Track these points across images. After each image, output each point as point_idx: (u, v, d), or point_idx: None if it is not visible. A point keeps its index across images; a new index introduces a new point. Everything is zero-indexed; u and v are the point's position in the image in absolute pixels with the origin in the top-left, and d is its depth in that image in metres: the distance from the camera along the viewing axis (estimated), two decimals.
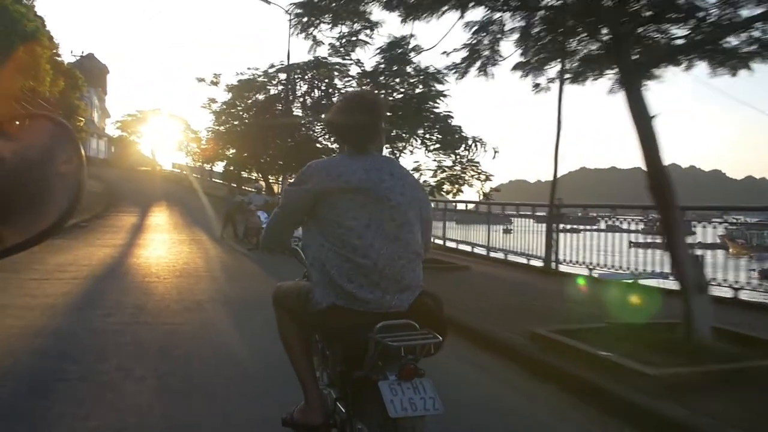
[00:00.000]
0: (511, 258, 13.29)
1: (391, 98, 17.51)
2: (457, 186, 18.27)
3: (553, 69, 8.64)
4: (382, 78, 13.48)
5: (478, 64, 8.08)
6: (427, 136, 17.64)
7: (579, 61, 7.42)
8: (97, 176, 39.11)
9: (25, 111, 0.88)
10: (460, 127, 16.32)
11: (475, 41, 7.85)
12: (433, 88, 12.64)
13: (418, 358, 2.23)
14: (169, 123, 53.16)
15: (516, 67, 8.24)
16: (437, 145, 18.61)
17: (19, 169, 0.67)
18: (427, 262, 2.69)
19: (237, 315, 6.97)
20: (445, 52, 8.35)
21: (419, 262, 2.53)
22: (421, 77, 12.42)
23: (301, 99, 17.35)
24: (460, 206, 16.83)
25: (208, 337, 5.81)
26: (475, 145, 16.91)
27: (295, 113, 17.98)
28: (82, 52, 59.87)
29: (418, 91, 14.87)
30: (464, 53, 8.02)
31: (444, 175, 18.89)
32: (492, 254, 13.37)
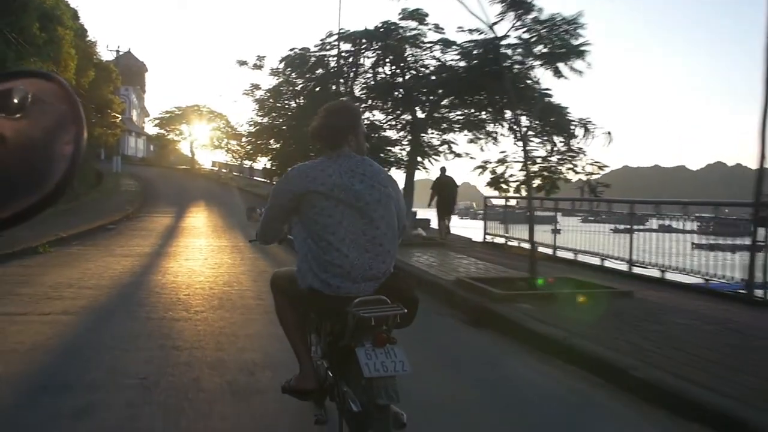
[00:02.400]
0: (647, 272, 9.89)
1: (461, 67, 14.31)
2: (551, 181, 14.94)
3: None
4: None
5: None
6: (523, 119, 14.31)
7: None
8: (133, 174, 37.06)
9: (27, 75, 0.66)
10: (566, 107, 12.92)
11: None
12: (559, 43, 9.01)
13: (390, 328, 2.60)
14: (208, 119, 50.99)
15: None
16: (530, 131, 15.27)
17: (19, 149, 0.61)
18: (572, 285, 3.94)
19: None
20: None
21: (388, 255, 2.86)
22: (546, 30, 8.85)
23: (366, 75, 14.16)
24: (566, 204, 13.29)
25: None
26: (584, 130, 13.51)
27: (357, 94, 14.78)
28: (118, 47, 57.97)
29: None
30: None
31: (535, 168, 15.59)
32: (637, 269, 9.96)
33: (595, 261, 10.98)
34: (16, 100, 0.62)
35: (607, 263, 10.66)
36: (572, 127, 13.43)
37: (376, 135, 15.97)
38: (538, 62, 8.61)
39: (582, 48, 8.44)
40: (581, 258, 11.30)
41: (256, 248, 12.13)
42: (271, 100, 23.81)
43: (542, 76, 11.87)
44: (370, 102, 15.00)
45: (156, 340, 5.14)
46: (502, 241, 14.27)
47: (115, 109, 35.37)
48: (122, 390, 3.86)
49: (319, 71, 14.10)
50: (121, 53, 56.30)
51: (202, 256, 11.33)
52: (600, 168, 13.43)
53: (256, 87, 23.52)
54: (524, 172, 16.38)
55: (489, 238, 14.92)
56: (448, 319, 6.94)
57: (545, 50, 8.76)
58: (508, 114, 14.93)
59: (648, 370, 4.51)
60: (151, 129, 60.29)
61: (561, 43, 8.65)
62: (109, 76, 34.04)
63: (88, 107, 28.23)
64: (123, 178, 35.80)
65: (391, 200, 2.89)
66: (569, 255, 11.88)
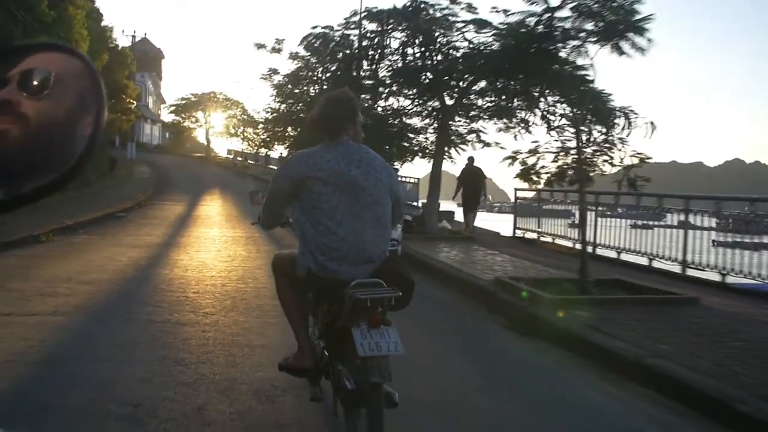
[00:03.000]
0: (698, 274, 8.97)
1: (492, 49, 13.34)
2: (585, 174, 13.97)
3: None
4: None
5: None
6: (558, 105, 13.36)
7: None
8: (147, 162, 36.51)
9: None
10: (609, 93, 11.91)
11: None
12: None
13: (385, 309, 2.70)
14: (224, 107, 50.31)
15: None
16: (564, 119, 14.31)
17: (41, 129, 0.62)
18: (628, 290, 3.85)
19: None
20: None
21: (383, 238, 2.96)
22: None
23: (392, 58, 13.21)
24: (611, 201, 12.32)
25: None
26: (626, 119, 12.52)
27: (382, 78, 13.83)
28: (134, 32, 57.37)
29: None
30: None
31: (568, 159, 14.62)
32: (691, 271, 9.02)
33: (640, 260, 10.06)
34: (38, 81, 0.62)
35: (656, 263, 9.72)
36: (614, 116, 12.50)
37: (399, 121, 15.08)
38: (592, 39, 7.63)
39: (643, 23, 7.47)
40: (625, 257, 10.36)
41: (271, 238, 11.31)
42: (289, 86, 23.00)
43: (596, 55, 10.84)
44: (395, 87, 14.08)
45: (157, 351, 4.34)
46: (533, 236, 13.35)
47: (130, 94, 34.76)
48: (107, 423, 3.06)
49: (342, 54, 13.07)
50: (137, 39, 55.63)
51: (215, 248, 10.55)
52: (642, 160, 12.50)
53: (275, 72, 22.75)
54: (557, 164, 15.51)
55: (519, 232, 14.00)
56: (490, 325, 6.10)
57: (599, 26, 7.79)
58: (542, 102, 14.03)
59: (760, 404, 3.64)
60: (167, 116, 59.83)
61: (616, 18, 7.68)
62: (124, 61, 33.42)
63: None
64: (137, 165, 35.20)
65: (386, 186, 3.00)
66: (606, 252, 10.95)
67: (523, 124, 14.48)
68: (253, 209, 3.78)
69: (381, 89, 13.85)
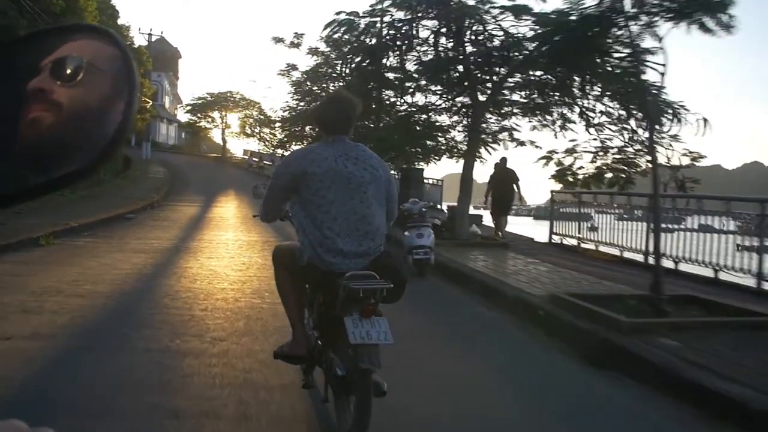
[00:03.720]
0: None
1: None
2: (625, 175, 12.87)
3: None
4: None
5: None
6: (600, 100, 12.30)
7: None
8: (162, 162, 35.86)
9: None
10: (662, 86, 10.78)
11: None
12: None
13: (377, 301, 2.82)
14: (241, 107, 49.60)
15: None
16: (604, 116, 13.28)
17: (74, 117, 0.61)
18: (705, 310, 3.86)
19: None
20: None
21: (378, 232, 3.07)
22: None
23: (421, 48, 12.15)
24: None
25: None
26: (675, 116, 11.40)
27: (410, 70, 12.80)
28: (151, 31, 56.83)
29: None
30: None
31: (608, 159, 13.52)
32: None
33: (703, 271, 8.95)
34: (71, 69, 0.62)
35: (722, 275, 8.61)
36: (665, 113, 11.39)
37: (426, 118, 14.05)
38: (668, 15, 6.55)
39: None
40: (684, 267, 9.25)
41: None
42: (308, 83, 22.14)
43: (667, 36, 9.72)
44: (423, 81, 13.05)
45: (148, 395, 3.38)
46: (572, 242, 12.27)
47: (145, 93, 34.14)
48: None
49: (367, 43, 12.05)
50: (154, 38, 55.16)
51: (228, 254, 9.62)
52: (694, 160, 11.39)
53: (293, 67, 21.94)
54: (595, 164, 14.39)
55: (556, 238, 12.92)
56: (554, 354, 5.07)
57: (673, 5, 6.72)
58: (584, 97, 12.95)
59: None
60: (183, 116, 59.34)
61: None
62: (140, 59, 32.80)
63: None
64: (152, 165, 34.51)
65: (381, 183, 3.14)
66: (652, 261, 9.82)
67: (560, 121, 13.46)
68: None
69: (408, 84, 12.82)
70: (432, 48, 12.03)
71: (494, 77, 12.73)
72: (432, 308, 6.70)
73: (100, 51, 0.64)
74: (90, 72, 0.62)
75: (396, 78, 12.94)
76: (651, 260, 9.77)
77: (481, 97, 12.78)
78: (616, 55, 9.36)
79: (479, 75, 12.60)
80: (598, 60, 10.00)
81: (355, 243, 2.99)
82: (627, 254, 10.34)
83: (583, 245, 11.82)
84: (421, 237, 8.55)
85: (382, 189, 3.15)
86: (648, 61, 6.81)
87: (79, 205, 16.82)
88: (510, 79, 12.96)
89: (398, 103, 13.75)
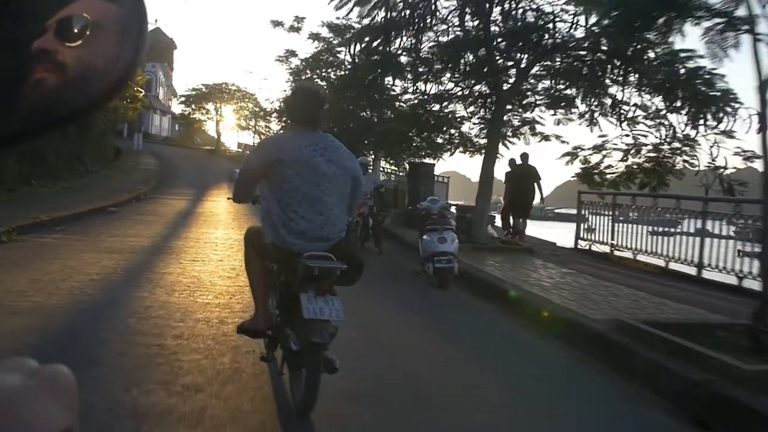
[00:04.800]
0: None
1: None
2: (657, 177, 11.60)
3: None
4: None
5: None
6: (641, 90, 11.04)
7: None
8: (154, 153, 34.45)
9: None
10: (720, 75, 9.46)
11: None
12: None
13: (332, 280, 3.02)
14: (236, 99, 48.13)
15: None
16: (640, 110, 12.13)
17: (79, 78, 0.59)
18: None
19: None
20: None
21: (340, 219, 3.28)
22: None
23: (440, 28, 10.82)
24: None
25: None
26: (723, 111, 10.12)
27: (425, 53, 11.41)
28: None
29: None
30: None
31: (639, 159, 12.25)
32: None
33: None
34: (77, 29, 0.59)
35: None
36: (715, 105, 10.12)
37: (439, 108, 12.73)
38: None
39: None
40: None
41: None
42: (308, 71, 20.78)
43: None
44: (440, 65, 11.72)
45: None
46: (603, 248, 10.98)
47: (137, 81, 32.61)
48: None
49: (381, 19, 10.66)
50: (149, 28, 53.49)
51: (216, 256, 8.30)
52: (747, 159, 10.12)
53: (292, 53, 20.56)
54: (626, 164, 13.12)
55: (583, 244, 11.62)
56: (640, 407, 3.79)
57: None
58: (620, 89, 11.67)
59: None
60: (177, 108, 57.83)
61: None
62: None
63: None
64: (143, 156, 33.06)
65: (347, 174, 3.31)
66: (717, 275, 8.59)
67: (588, 115, 12.18)
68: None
69: (422, 69, 11.48)
70: (452, 27, 10.71)
71: (520, 64, 11.44)
72: (468, 334, 5.42)
73: (106, 11, 0.62)
74: (96, 32, 0.59)
75: (408, 63, 11.59)
76: (707, 274, 8.50)
77: (505, 86, 11.49)
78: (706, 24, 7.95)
79: (502, 61, 11.29)
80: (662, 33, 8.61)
81: (316, 227, 3.17)
82: (674, 265, 9.05)
83: (617, 253, 10.53)
84: (444, 242, 7.25)
85: (347, 179, 3.31)
86: (745, 28, 5.45)
87: (60, 196, 15.47)
88: (536, 67, 11.69)
89: (409, 90, 12.41)
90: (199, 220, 13.50)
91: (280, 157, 3.18)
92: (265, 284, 3.53)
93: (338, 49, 19.17)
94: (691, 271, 8.62)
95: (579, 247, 11.66)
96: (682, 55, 9.16)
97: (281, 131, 28.55)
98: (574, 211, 11.91)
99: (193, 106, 50.54)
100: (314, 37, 18.96)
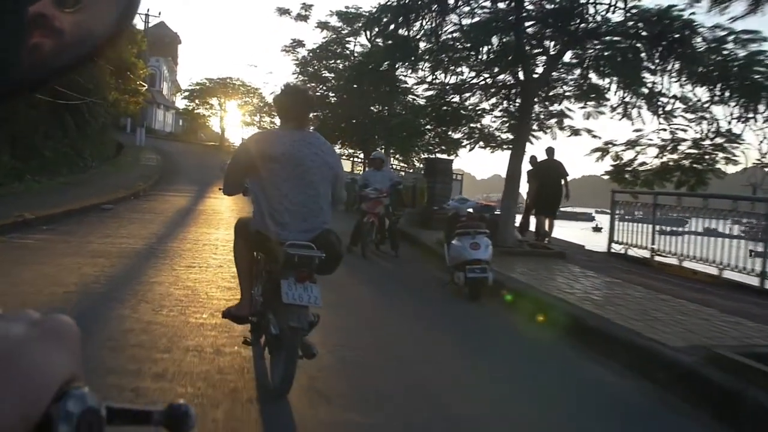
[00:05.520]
0: None
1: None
2: (696, 176, 10.60)
3: None
4: None
5: None
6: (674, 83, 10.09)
7: None
8: (156, 149, 33.58)
9: None
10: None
11: None
12: None
13: (312, 268, 3.18)
14: (241, 94, 47.18)
15: None
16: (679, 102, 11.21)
17: (77, 42, 0.58)
18: None
19: None
20: None
21: (323, 211, 3.45)
22: None
23: (464, 9, 9.80)
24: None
25: None
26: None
27: (446, 37, 10.38)
28: (148, 11, 54.29)
29: None
30: None
31: (675, 156, 11.26)
32: None
33: None
34: None
35: None
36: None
37: (458, 100, 11.74)
38: None
39: None
40: None
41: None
42: (314, 62, 19.80)
43: None
44: (460, 54, 10.73)
45: None
46: (641, 253, 9.98)
47: (139, 74, 31.68)
48: None
49: None
50: (154, 22, 52.56)
51: (216, 261, 7.36)
52: None
53: (299, 43, 19.53)
54: (661, 161, 12.19)
55: (617, 247, 10.62)
56: None
57: None
58: (651, 78, 10.67)
59: None
60: (181, 103, 56.97)
61: None
62: (133, 37, 30.37)
63: (103, 68, 24.52)
64: (145, 151, 32.16)
65: (330, 168, 3.49)
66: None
67: (626, 105, 11.18)
68: None
69: (444, 55, 10.47)
70: (479, 7, 9.71)
71: (549, 51, 10.45)
72: (516, 363, 4.45)
73: None
74: None
75: (427, 49, 10.59)
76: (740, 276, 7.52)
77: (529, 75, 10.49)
78: None
79: (529, 48, 10.29)
80: None
81: (300, 218, 3.36)
82: (729, 274, 8.04)
83: (658, 258, 9.53)
84: (477, 248, 6.28)
85: (330, 174, 3.48)
86: None
87: (53, 192, 14.61)
88: (568, 54, 10.70)
89: (428, 80, 11.41)
90: (199, 219, 12.57)
91: (267, 152, 3.36)
92: (251, 272, 3.69)
93: (348, 39, 18.19)
94: (752, 281, 7.62)
95: (613, 251, 10.65)
96: (745, 36, 8.14)
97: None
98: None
99: (196, 101, 49.64)
100: (323, 26, 17.98)
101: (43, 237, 8.51)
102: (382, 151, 16.88)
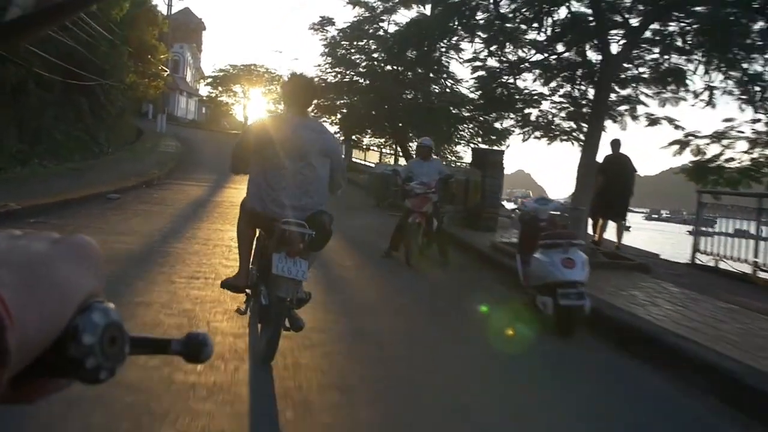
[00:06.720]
0: None
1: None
2: None
3: None
4: None
5: None
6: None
7: None
8: (177, 136, 32.38)
9: None
10: None
11: None
12: None
13: (303, 244, 3.36)
14: (265, 80, 45.90)
15: None
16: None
17: (77, 10, 0.62)
18: None
19: None
20: None
21: (319, 193, 3.66)
22: None
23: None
24: None
25: None
26: None
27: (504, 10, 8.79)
28: None
29: None
30: None
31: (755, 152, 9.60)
32: None
33: None
34: None
35: None
36: None
37: (514, 81, 10.12)
38: None
39: None
40: None
41: (342, 255, 6.49)
42: (344, 44, 18.25)
43: None
44: (517, 24, 9.11)
45: None
46: (738, 267, 8.30)
47: (160, 58, 30.43)
48: None
49: None
50: (179, 8, 51.34)
51: (227, 270, 5.83)
52: None
53: (329, 21, 17.97)
54: (752, 156, 10.51)
55: (704, 258, 8.93)
56: None
57: None
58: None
59: None
60: (204, 90, 55.92)
61: None
62: (154, 19, 29.09)
63: (121, 48, 23.25)
64: (165, 138, 30.95)
65: (327, 154, 3.72)
66: None
67: (712, 90, 9.49)
68: None
69: (504, 25, 8.86)
70: None
71: (628, 23, 8.78)
72: None
73: None
74: None
75: (483, 20, 8.99)
76: None
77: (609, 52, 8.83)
78: None
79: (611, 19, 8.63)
80: None
81: (296, 198, 3.56)
82: None
83: (762, 275, 7.85)
84: (572, 266, 4.69)
85: (328, 158, 3.70)
86: None
87: (57, 178, 13.28)
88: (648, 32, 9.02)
89: (481, 56, 9.78)
90: (214, 212, 11.11)
91: (270, 135, 3.61)
92: (249, 247, 3.88)
93: (382, 18, 16.61)
94: None
95: (697, 262, 8.97)
96: None
97: (315, 112, 26.24)
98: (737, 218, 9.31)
99: (219, 89, 48.49)
100: (355, 2, 16.42)
101: (27, 232, 7.11)
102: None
